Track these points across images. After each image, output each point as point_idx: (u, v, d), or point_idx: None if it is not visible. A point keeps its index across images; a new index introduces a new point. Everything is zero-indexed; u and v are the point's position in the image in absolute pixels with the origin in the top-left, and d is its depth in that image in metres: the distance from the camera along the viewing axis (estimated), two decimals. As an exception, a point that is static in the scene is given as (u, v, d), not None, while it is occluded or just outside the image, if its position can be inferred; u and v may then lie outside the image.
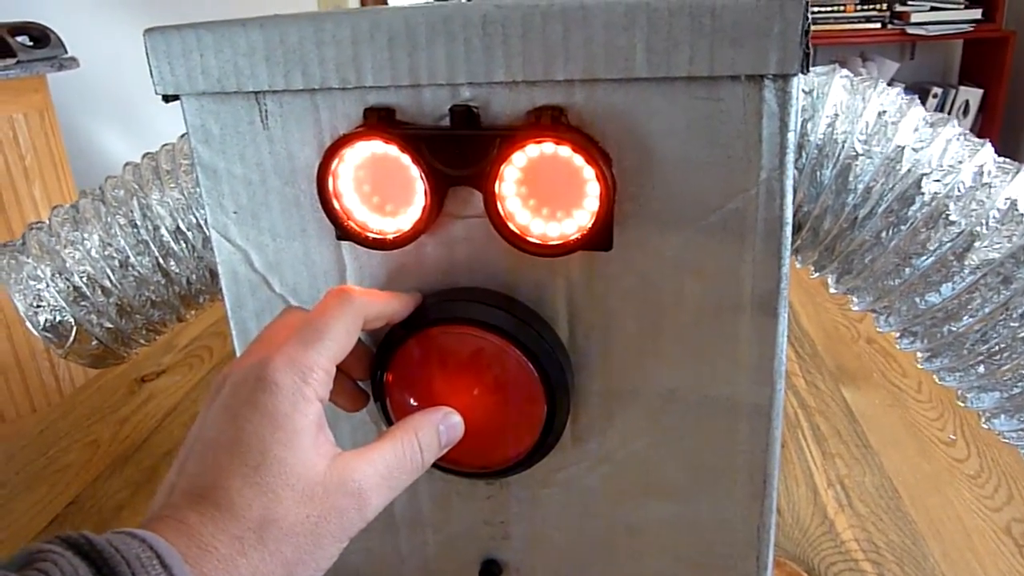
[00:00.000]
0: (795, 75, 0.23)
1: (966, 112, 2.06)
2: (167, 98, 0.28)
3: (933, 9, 1.91)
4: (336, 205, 0.27)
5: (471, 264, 0.27)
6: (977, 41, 2.05)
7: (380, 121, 0.26)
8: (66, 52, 1.54)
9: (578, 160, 0.24)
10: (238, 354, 0.31)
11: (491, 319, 0.26)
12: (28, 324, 0.36)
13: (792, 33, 0.22)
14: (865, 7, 1.94)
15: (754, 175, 0.24)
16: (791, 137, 0.24)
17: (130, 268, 0.36)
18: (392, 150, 0.25)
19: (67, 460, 0.56)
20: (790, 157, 0.24)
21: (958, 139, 0.29)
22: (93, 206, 0.37)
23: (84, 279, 0.36)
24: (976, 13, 1.92)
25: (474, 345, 0.27)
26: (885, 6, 1.95)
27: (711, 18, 0.22)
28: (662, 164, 0.24)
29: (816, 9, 1.95)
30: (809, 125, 0.29)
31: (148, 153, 0.38)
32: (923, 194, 0.28)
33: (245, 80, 0.26)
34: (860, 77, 0.31)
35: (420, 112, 0.26)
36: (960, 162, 0.29)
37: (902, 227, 0.28)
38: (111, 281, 0.36)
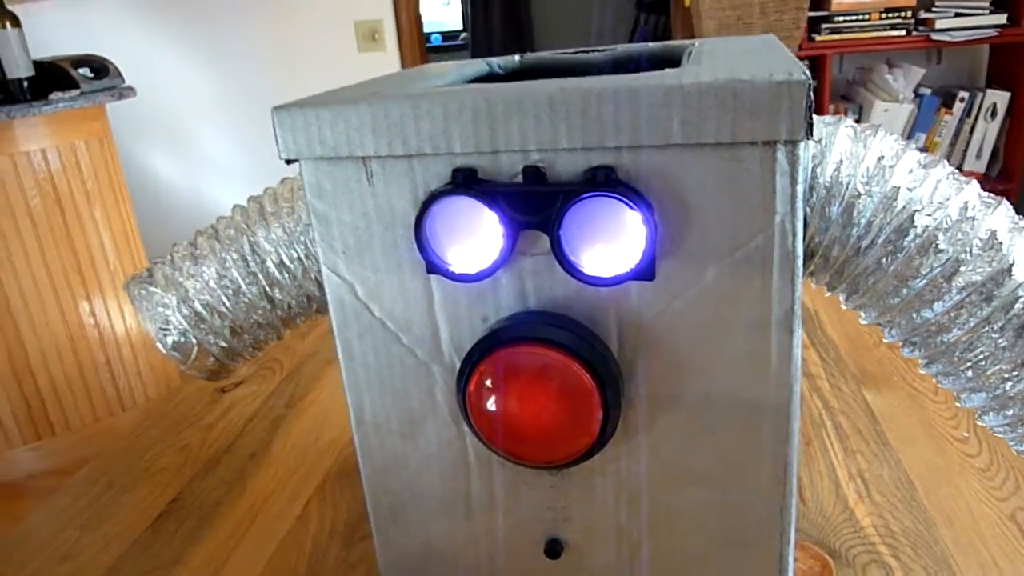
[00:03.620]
0: (801, 140, 0.28)
1: (994, 114, 2.08)
2: (288, 161, 0.34)
3: (958, 15, 1.93)
4: (428, 246, 0.33)
5: (538, 293, 0.33)
6: (1005, 45, 2.07)
7: (466, 179, 0.32)
8: (124, 82, 1.64)
9: (626, 208, 0.30)
10: (343, 369, 0.38)
11: (556, 338, 0.32)
12: (158, 344, 0.43)
13: (798, 109, 0.28)
14: (890, 15, 1.97)
15: (770, 219, 0.30)
16: (799, 188, 0.29)
17: (241, 296, 0.43)
18: (476, 203, 0.32)
19: (163, 463, 0.63)
20: (799, 203, 0.30)
21: (947, 178, 0.35)
22: (209, 244, 0.44)
23: (203, 306, 0.43)
24: (1001, 18, 1.94)
25: (542, 360, 0.33)
26: (910, 13, 1.98)
27: (733, 97, 0.28)
28: (695, 211, 0.30)
29: (841, 18, 1.99)
30: (819, 169, 0.35)
31: (252, 196, 0.45)
32: (916, 227, 0.34)
33: (355, 148, 0.33)
34: (862, 125, 0.36)
35: (498, 172, 0.32)
36: (948, 199, 0.34)
37: (899, 255, 0.34)
38: (226, 307, 0.43)
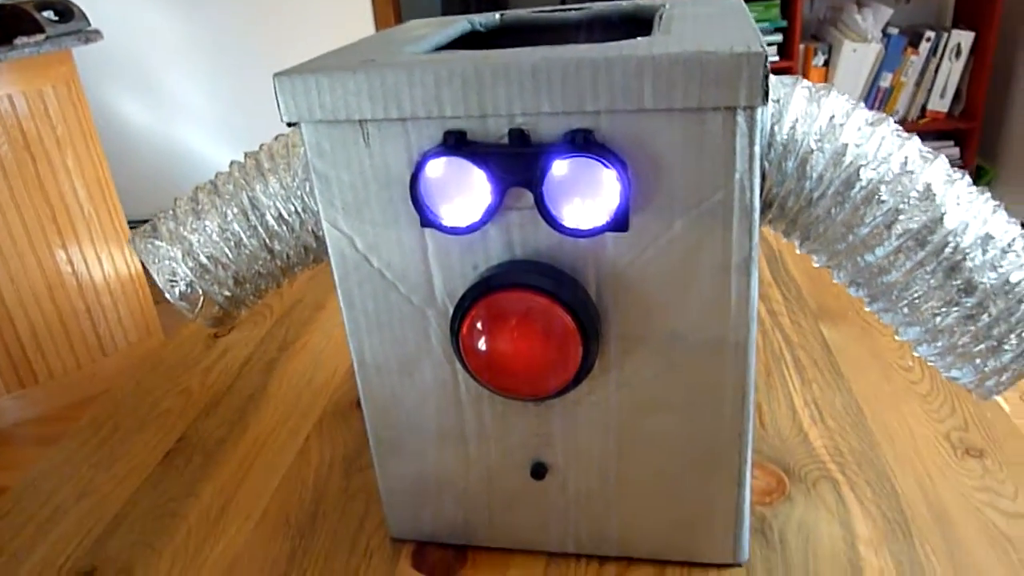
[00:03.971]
0: (759, 106, 0.32)
1: (958, 54, 2.11)
2: (290, 124, 0.37)
3: (926, -46, 1.94)
4: (423, 202, 0.36)
5: (524, 244, 0.37)
6: (969, -16, 2.09)
7: (456, 141, 0.35)
8: (89, 25, 1.61)
9: (600, 166, 0.34)
10: (345, 315, 0.41)
11: (540, 284, 0.36)
12: (167, 295, 0.46)
13: (756, 78, 0.31)
14: (859, -46, 1.98)
15: (731, 176, 0.33)
16: (756, 149, 0.33)
17: (243, 248, 0.46)
18: (465, 163, 0.35)
19: (166, 406, 0.66)
20: (756, 162, 0.33)
21: (891, 135, 0.38)
22: (209, 199, 0.46)
23: (207, 258, 0.46)
24: (968, -43, 1.95)
25: (528, 304, 0.36)
26: (879, -48, 1.98)
27: (699, 67, 0.31)
28: (664, 169, 0.34)
29: (811, -43, 1.99)
30: (776, 127, 0.38)
31: (248, 152, 0.48)
32: (861, 180, 0.37)
33: (352, 112, 0.35)
34: (817, 86, 0.40)
35: (486, 134, 0.35)
36: (890, 154, 0.38)
37: (846, 205, 0.38)
38: (228, 258, 0.46)
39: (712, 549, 0.43)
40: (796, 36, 2.12)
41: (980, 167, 2.34)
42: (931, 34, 2.13)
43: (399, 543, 0.48)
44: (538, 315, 0.37)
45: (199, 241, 0.46)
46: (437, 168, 0.35)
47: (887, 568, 0.43)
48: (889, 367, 0.63)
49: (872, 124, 0.38)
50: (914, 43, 2.15)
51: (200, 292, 0.46)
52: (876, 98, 2.21)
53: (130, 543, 0.50)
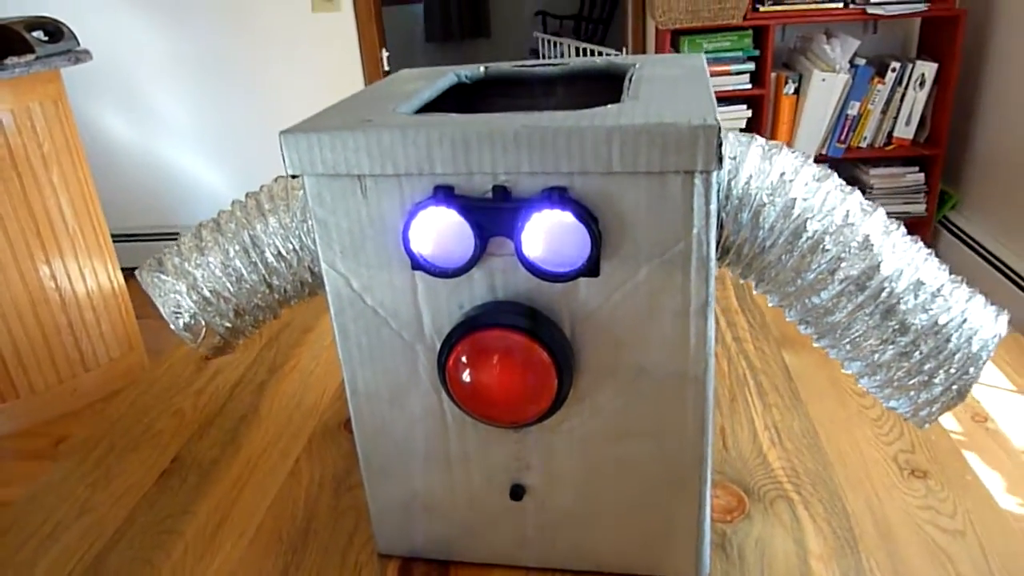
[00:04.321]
0: (713, 170, 0.36)
1: (923, 84, 2.19)
2: (293, 176, 0.41)
3: (892, -11, 2.03)
4: (414, 248, 0.40)
5: (505, 287, 0.41)
6: (932, 19, 2.18)
7: (445, 195, 0.39)
8: (79, 45, 1.63)
9: (575, 220, 0.38)
10: (340, 348, 0.45)
11: (519, 324, 0.40)
12: (171, 326, 0.49)
13: (711, 147, 0.35)
14: (828, -13, 2.06)
15: (689, 230, 0.38)
16: (712, 207, 0.37)
17: (244, 282, 0.49)
18: (453, 214, 0.39)
19: (160, 426, 0.69)
20: (712, 218, 0.37)
21: (835, 190, 0.43)
22: (212, 236, 0.50)
23: (210, 292, 0.49)
24: (931, -8, 2.04)
25: (508, 341, 0.40)
26: (847, -14, 2.06)
27: (661, 136, 0.35)
28: (631, 224, 0.38)
29: (783, -11, 2.06)
30: (733, 182, 0.43)
31: (249, 192, 0.51)
32: (808, 231, 0.42)
33: (352, 167, 0.39)
34: (769, 143, 0.44)
35: (471, 188, 0.39)
36: (834, 208, 0.42)
37: (795, 253, 0.42)
38: (230, 292, 0.49)
39: (675, 563, 0.47)
40: (768, 65, 2.19)
41: (944, 192, 2.42)
42: (896, 64, 2.21)
43: (386, 559, 0.51)
44: (518, 351, 0.40)
45: (203, 276, 0.49)
46: (428, 218, 0.39)
47: (833, 581, 0.47)
48: (844, 393, 0.67)
49: (818, 180, 0.43)
50: (881, 73, 2.23)
51: (203, 323, 0.49)
52: (844, 126, 2.28)
53: (129, 559, 0.53)
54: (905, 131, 2.28)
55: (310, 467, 0.61)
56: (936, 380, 0.42)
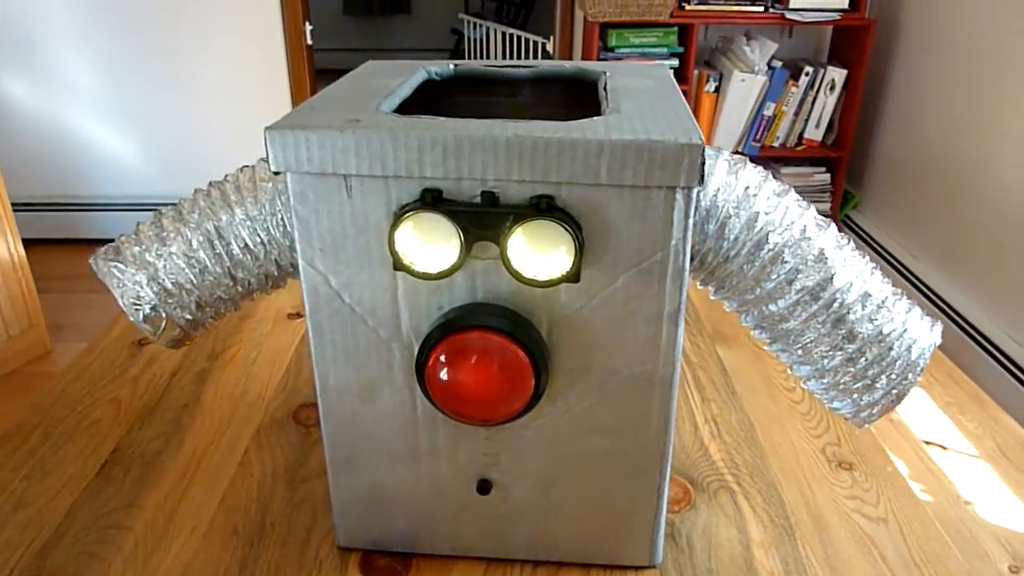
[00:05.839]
0: (695, 187, 0.38)
1: (832, 89, 2.31)
2: (276, 172, 0.40)
3: (809, -4, 2.12)
4: (399, 249, 0.40)
5: (486, 289, 0.42)
6: (844, 27, 2.29)
7: (433, 199, 0.39)
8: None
9: (560, 228, 0.39)
10: (312, 344, 0.44)
11: (499, 325, 0.41)
12: (130, 317, 0.48)
13: (694, 164, 0.37)
14: (751, -9, 2.14)
15: (668, 242, 0.40)
16: (691, 221, 0.39)
17: (207, 274, 0.48)
18: (441, 218, 0.39)
19: (95, 416, 0.66)
20: (690, 232, 0.40)
21: (794, 204, 0.46)
22: (174, 226, 0.48)
23: (172, 283, 0.48)
24: (844, 2, 2.15)
25: (487, 342, 0.41)
26: (768, -9, 2.14)
27: (648, 152, 0.37)
28: (613, 233, 0.39)
29: (708, -11, 2.13)
30: (701, 194, 0.45)
31: (212, 182, 0.50)
32: (769, 243, 0.44)
33: (339, 167, 0.39)
34: (734, 158, 0.47)
35: (459, 193, 0.39)
36: (793, 222, 0.45)
37: (756, 263, 0.45)
38: (192, 284, 0.48)
39: (632, 553, 0.49)
40: (691, 62, 2.26)
41: (847, 192, 2.56)
42: (810, 69, 2.32)
43: (347, 551, 0.51)
44: (498, 352, 0.41)
45: (164, 267, 0.48)
46: (414, 221, 0.40)
47: (776, 568, 0.50)
48: (775, 388, 0.72)
49: (779, 195, 0.46)
50: (795, 76, 2.34)
51: (164, 315, 0.48)
52: (760, 125, 2.38)
53: (76, 553, 0.51)
54: (815, 133, 2.40)
55: (260, 459, 0.61)
56: (878, 384, 0.45)
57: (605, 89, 0.48)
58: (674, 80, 0.51)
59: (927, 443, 0.64)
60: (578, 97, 0.54)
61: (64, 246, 2.58)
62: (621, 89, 0.47)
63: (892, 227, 2.33)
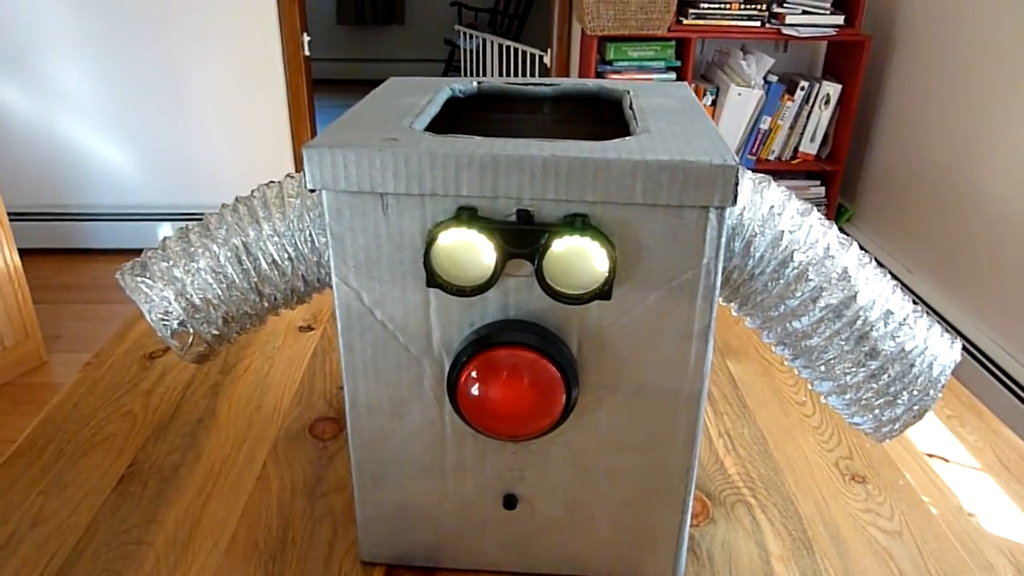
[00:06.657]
0: (728, 207, 0.39)
1: (827, 103, 2.34)
2: (312, 190, 0.41)
3: (804, 13, 2.15)
4: (433, 265, 0.41)
5: (518, 306, 0.42)
6: (839, 43, 2.32)
7: (469, 217, 0.40)
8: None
9: (594, 246, 0.39)
10: (343, 360, 0.45)
11: (531, 342, 0.41)
12: (158, 332, 0.48)
13: (728, 185, 0.38)
14: (747, 6, 2.16)
15: (700, 260, 0.40)
16: (722, 240, 0.40)
17: (234, 289, 0.49)
18: (476, 235, 0.40)
19: (110, 430, 0.66)
20: (722, 251, 0.40)
21: (817, 223, 0.47)
22: (202, 241, 0.49)
23: (199, 299, 0.48)
24: (839, 19, 2.18)
25: (519, 359, 0.42)
26: (764, 7, 2.17)
27: (683, 173, 0.38)
28: (646, 252, 0.40)
29: (705, 5, 2.15)
30: (727, 212, 0.45)
31: (239, 197, 0.50)
32: (794, 261, 0.45)
33: (376, 185, 0.39)
34: (758, 177, 0.47)
35: (495, 211, 0.40)
36: (817, 241, 0.46)
37: (780, 281, 0.45)
38: (220, 299, 0.48)
39: (656, 568, 0.50)
40: (688, 76, 2.28)
41: (841, 205, 2.59)
42: (805, 84, 2.35)
43: (370, 566, 0.52)
44: (528, 368, 0.42)
45: (192, 282, 0.48)
46: (449, 238, 0.40)
47: (798, 581, 0.51)
48: (786, 401, 0.72)
49: (802, 214, 0.46)
50: (790, 91, 2.36)
51: (191, 330, 0.48)
52: (756, 139, 2.40)
53: (98, 571, 0.51)
54: (810, 147, 2.43)
55: (279, 473, 0.61)
56: (900, 401, 0.46)
57: (632, 108, 0.48)
58: (696, 100, 0.51)
59: (930, 456, 0.65)
60: (601, 115, 0.55)
61: (60, 256, 2.57)
62: (647, 108, 0.48)
63: (886, 240, 2.35)
